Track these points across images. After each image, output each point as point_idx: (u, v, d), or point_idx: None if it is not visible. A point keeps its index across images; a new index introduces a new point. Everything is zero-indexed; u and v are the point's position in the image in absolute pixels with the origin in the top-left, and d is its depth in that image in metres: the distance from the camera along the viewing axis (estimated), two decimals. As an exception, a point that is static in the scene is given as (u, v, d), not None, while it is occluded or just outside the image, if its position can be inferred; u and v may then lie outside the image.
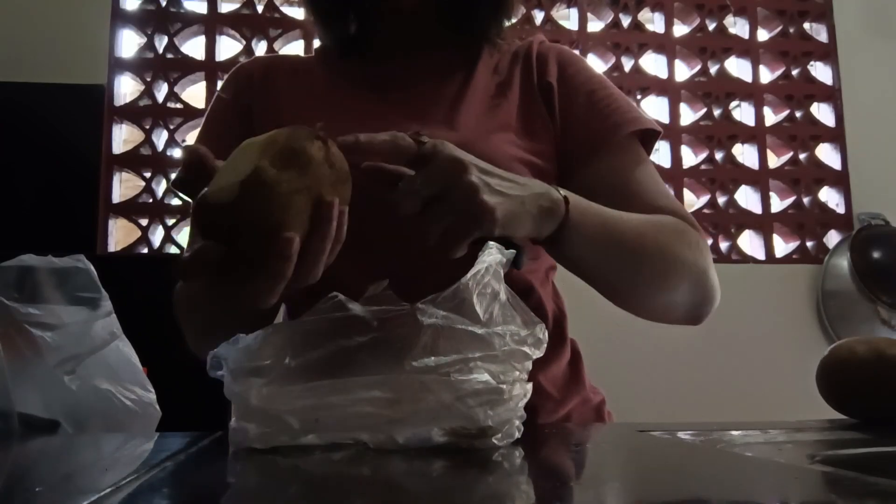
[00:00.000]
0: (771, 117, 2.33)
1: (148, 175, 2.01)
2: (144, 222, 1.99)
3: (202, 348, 0.73)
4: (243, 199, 0.47)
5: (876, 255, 2.14)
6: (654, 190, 0.77)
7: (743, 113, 2.31)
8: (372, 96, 0.80)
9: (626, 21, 2.27)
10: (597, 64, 2.24)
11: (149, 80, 2.06)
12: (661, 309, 0.73)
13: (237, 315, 0.68)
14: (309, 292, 0.56)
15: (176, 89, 2.07)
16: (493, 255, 0.52)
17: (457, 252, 0.58)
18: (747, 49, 2.32)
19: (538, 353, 0.50)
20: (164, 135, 2.04)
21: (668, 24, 2.29)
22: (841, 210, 2.26)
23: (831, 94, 2.33)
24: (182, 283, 0.75)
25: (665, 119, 2.22)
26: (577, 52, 0.88)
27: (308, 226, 0.50)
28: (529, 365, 0.50)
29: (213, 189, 0.48)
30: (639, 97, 2.22)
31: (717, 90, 2.28)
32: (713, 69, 2.30)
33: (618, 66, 2.24)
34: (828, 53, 2.34)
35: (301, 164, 0.49)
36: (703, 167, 2.24)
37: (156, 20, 2.09)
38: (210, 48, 2.10)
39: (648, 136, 0.80)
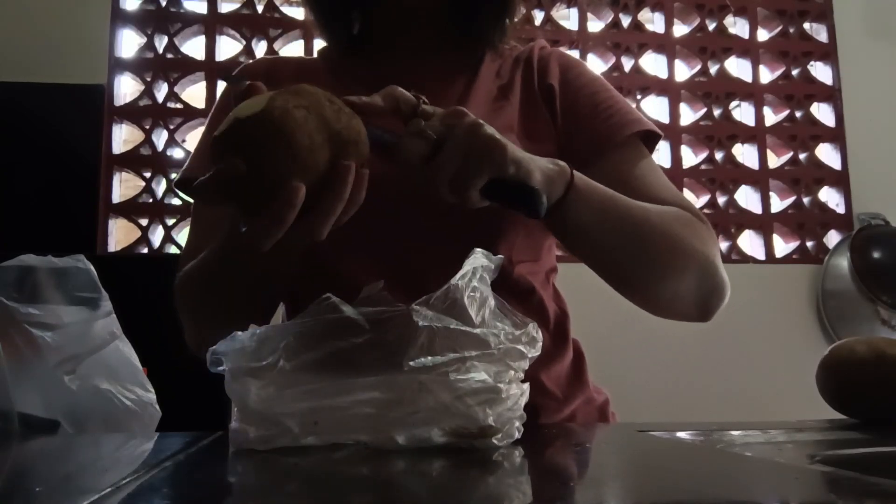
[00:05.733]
0: (771, 117, 2.32)
1: (148, 175, 2.01)
2: (144, 222, 1.99)
3: (205, 337, 0.72)
4: (268, 111, 0.50)
5: (876, 255, 2.14)
6: (658, 184, 0.77)
7: (743, 113, 2.31)
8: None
9: (626, 21, 2.27)
10: (597, 64, 2.24)
11: (149, 80, 2.05)
12: (669, 298, 0.72)
13: (245, 280, 0.68)
14: (309, 292, 0.57)
15: (176, 89, 2.07)
16: (479, 260, 0.52)
17: (471, 201, 0.58)
18: (747, 49, 2.32)
19: (534, 352, 0.50)
20: (164, 135, 2.04)
21: (668, 24, 2.29)
22: (841, 210, 2.26)
23: (831, 94, 2.33)
24: (189, 267, 0.74)
25: (665, 119, 2.22)
26: (576, 52, 0.88)
27: (322, 180, 0.51)
28: (525, 364, 0.50)
29: (241, 106, 0.52)
30: (639, 97, 2.22)
31: (717, 90, 2.28)
32: (713, 69, 2.30)
33: (618, 66, 2.24)
34: (828, 53, 2.34)
35: (319, 112, 0.52)
36: (703, 167, 2.24)
37: (156, 20, 2.09)
38: (210, 48, 2.10)
39: (650, 139, 0.81)
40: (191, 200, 0.84)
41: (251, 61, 0.89)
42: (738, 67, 2.34)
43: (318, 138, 0.51)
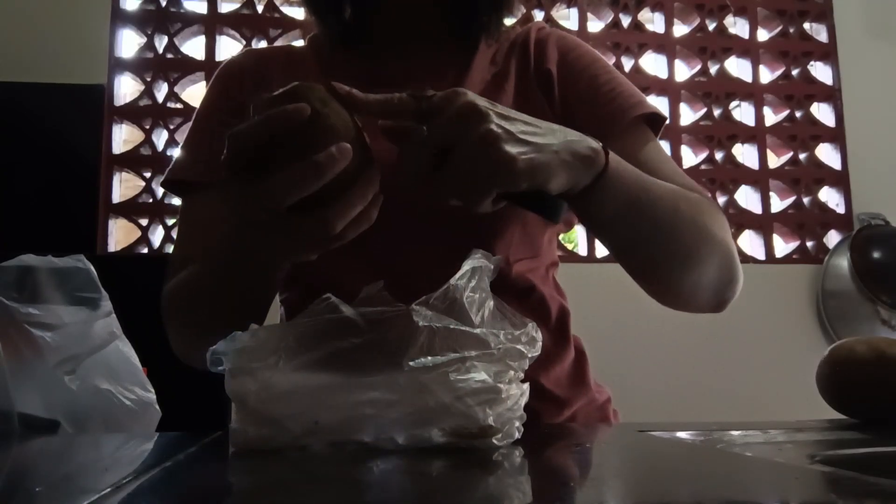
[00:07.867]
0: (771, 117, 2.33)
1: (148, 175, 2.01)
2: (144, 222, 1.99)
3: (196, 346, 0.72)
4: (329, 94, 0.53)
5: (876, 255, 2.14)
6: (667, 168, 0.74)
7: (743, 113, 2.31)
8: (366, 89, 0.80)
9: (626, 21, 2.27)
10: (597, 64, 2.24)
11: (149, 80, 2.05)
12: (690, 289, 0.69)
13: (239, 282, 0.65)
14: (308, 292, 0.56)
15: (176, 89, 2.07)
16: (478, 260, 0.52)
17: (480, 209, 0.54)
18: (747, 49, 2.32)
19: (534, 352, 0.50)
20: (164, 135, 2.04)
21: (668, 24, 2.29)
22: (841, 210, 2.26)
23: (831, 94, 2.33)
24: (177, 279, 0.73)
25: (665, 119, 2.22)
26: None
27: (352, 175, 0.52)
28: (526, 364, 0.50)
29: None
30: (639, 97, 2.22)
31: (717, 90, 2.28)
32: (713, 69, 2.30)
33: (618, 66, 2.23)
34: (828, 53, 2.34)
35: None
36: (703, 167, 2.24)
37: (156, 20, 2.09)
38: (210, 48, 2.10)
39: (653, 121, 0.78)
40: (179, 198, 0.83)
41: (236, 54, 0.86)
42: (738, 67, 2.34)
43: (362, 139, 0.54)
